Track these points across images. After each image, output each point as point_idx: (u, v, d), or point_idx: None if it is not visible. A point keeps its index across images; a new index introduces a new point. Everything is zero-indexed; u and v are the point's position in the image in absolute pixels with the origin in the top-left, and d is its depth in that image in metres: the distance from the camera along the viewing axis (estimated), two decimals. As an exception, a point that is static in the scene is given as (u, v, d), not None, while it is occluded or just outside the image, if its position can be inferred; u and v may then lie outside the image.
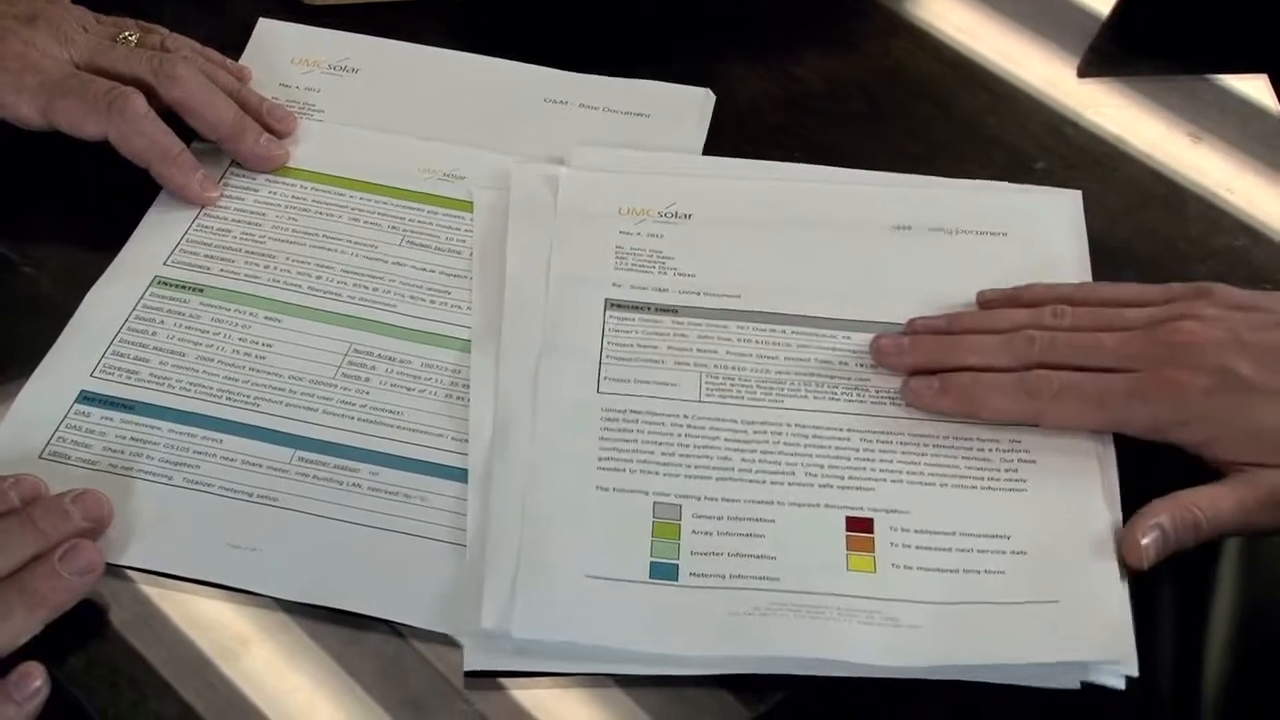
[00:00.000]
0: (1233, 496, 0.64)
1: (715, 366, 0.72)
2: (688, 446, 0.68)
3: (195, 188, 0.77)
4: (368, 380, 0.71)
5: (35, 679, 0.59)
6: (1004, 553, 0.65)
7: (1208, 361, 0.65)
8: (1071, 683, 0.61)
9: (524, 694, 0.61)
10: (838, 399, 0.70)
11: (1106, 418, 0.67)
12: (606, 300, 0.74)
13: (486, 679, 0.61)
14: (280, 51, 0.87)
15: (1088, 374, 0.67)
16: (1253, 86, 0.88)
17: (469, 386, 0.70)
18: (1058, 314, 0.70)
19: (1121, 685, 0.61)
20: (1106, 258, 0.77)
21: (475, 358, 0.72)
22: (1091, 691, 0.61)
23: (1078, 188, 0.80)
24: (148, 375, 0.70)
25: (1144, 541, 0.63)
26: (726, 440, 0.69)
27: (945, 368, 0.69)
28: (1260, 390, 0.65)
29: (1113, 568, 0.64)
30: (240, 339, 0.72)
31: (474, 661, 0.61)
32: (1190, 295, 0.69)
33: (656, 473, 0.67)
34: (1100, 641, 0.62)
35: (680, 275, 0.76)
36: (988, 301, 0.73)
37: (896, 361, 0.70)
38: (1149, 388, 0.66)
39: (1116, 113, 0.86)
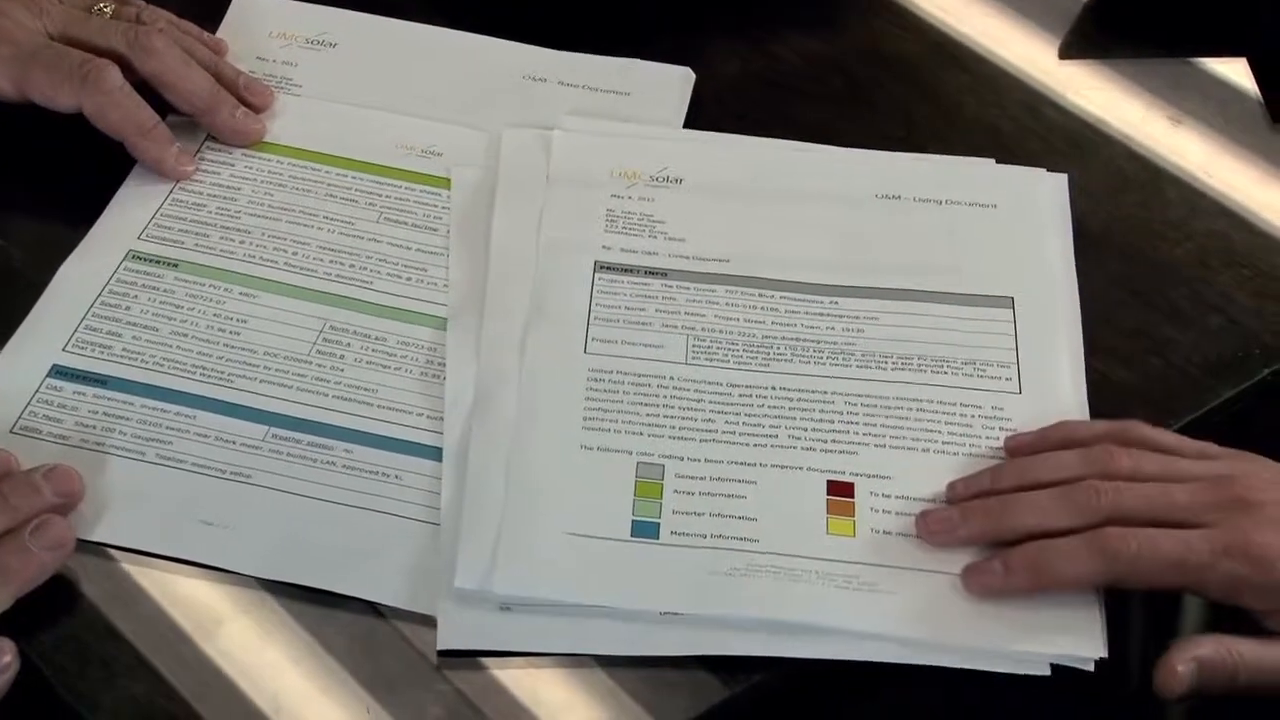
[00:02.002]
0: (1277, 656, 0.61)
1: (702, 330, 0.72)
2: (672, 408, 0.69)
3: (170, 161, 0.77)
4: (343, 357, 0.71)
5: (4, 654, 0.59)
6: None
7: None
8: (1041, 668, 0.61)
9: (501, 673, 0.61)
10: (823, 363, 0.71)
11: (1187, 580, 0.61)
12: (596, 262, 0.74)
13: (464, 656, 0.61)
14: (258, 25, 0.86)
15: (1163, 531, 0.61)
16: (1232, 69, 0.88)
17: (445, 364, 0.70)
18: (1111, 455, 0.64)
19: (1090, 667, 0.61)
20: (1086, 240, 0.77)
21: (452, 335, 0.71)
22: (1062, 674, 0.61)
23: (1057, 170, 0.80)
24: (121, 350, 0.70)
25: (1180, 670, 0.60)
26: (711, 402, 0.69)
27: (1002, 534, 0.64)
28: None
29: None
30: (215, 314, 0.72)
31: (448, 640, 0.61)
32: (1232, 456, 0.65)
33: (641, 433, 0.68)
34: (1065, 630, 0.62)
35: (670, 239, 0.76)
36: (1016, 447, 0.67)
37: (948, 538, 0.64)
38: (1235, 546, 0.61)
39: (1097, 95, 0.86)
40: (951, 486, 0.66)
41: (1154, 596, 0.66)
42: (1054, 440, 0.67)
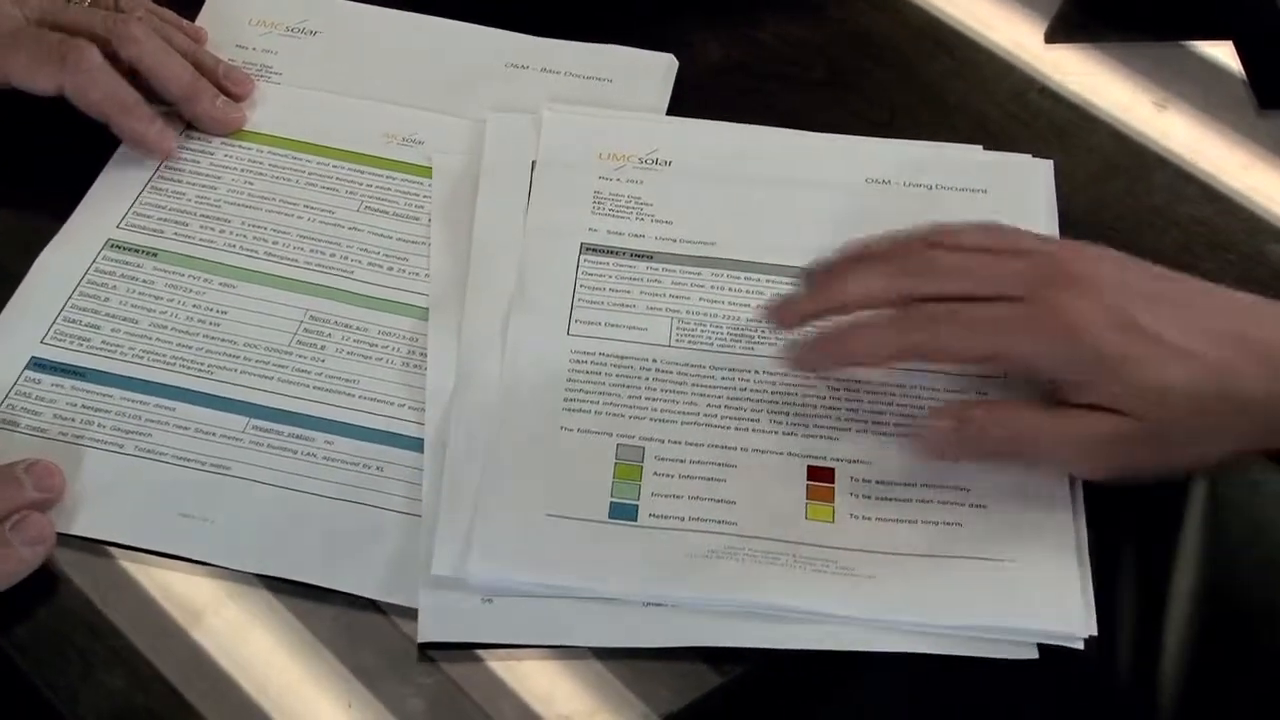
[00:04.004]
0: (1057, 426, 0.62)
1: (687, 312, 0.72)
2: (654, 390, 0.69)
3: (153, 136, 0.76)
4: (324, 348, 0.70)
5: (-17, 649, 0.59)
6: (963, 505, 0.65)
7: (1103, 299, 0.62)
8: (1029, 652, 0.61)
9: (491, 660, 0.61)
10: None
11: (991, 346, 0.63)
12: (582, 244, 0.74)
13: (450, 646, 0.61)
14: (238, 12, 0.86)
15: (973, 303, 0.63)
16: (1219, 52, 0.87)
17: (426, 354, 0.70)
18: (940, 229, 0.66)
19: (1079, 645, 0.61)
20: (1071, 226, 0.76)
21: (433, 325, 0.71)
22: (1049, 658, 0.61)
23: (1043, 155, 0.80)
24: (99, 342, 0.69)
25: (941, 424, 0.63)
26: (694, 385, 0.69)
27: (830, 303, 0.65)
28: (1152, 342, 0.61)
29: (1068, 528, 0.64)
30: (194, 305, 0.71)
31: (429, 632, 0.61)
32: (1065, 243, 0.67)
33: (622, 415, 0.68)
34: (1050, 608, 0.62)
35: (657, 222, 0.76)
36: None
37: (785, 307, 0.66)
38: (1046, 318, 0.61)
39: (1082, 79, 0.86)
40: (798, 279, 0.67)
41: (1144, 581, 0.66)
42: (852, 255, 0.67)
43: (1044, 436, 0.63)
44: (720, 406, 0.68)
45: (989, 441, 0.64)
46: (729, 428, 0.67)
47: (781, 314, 0.67)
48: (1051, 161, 0.79)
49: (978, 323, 0.63)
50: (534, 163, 0.77)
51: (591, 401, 0.68)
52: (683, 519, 0.64)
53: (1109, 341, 0.61)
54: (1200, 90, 0.85)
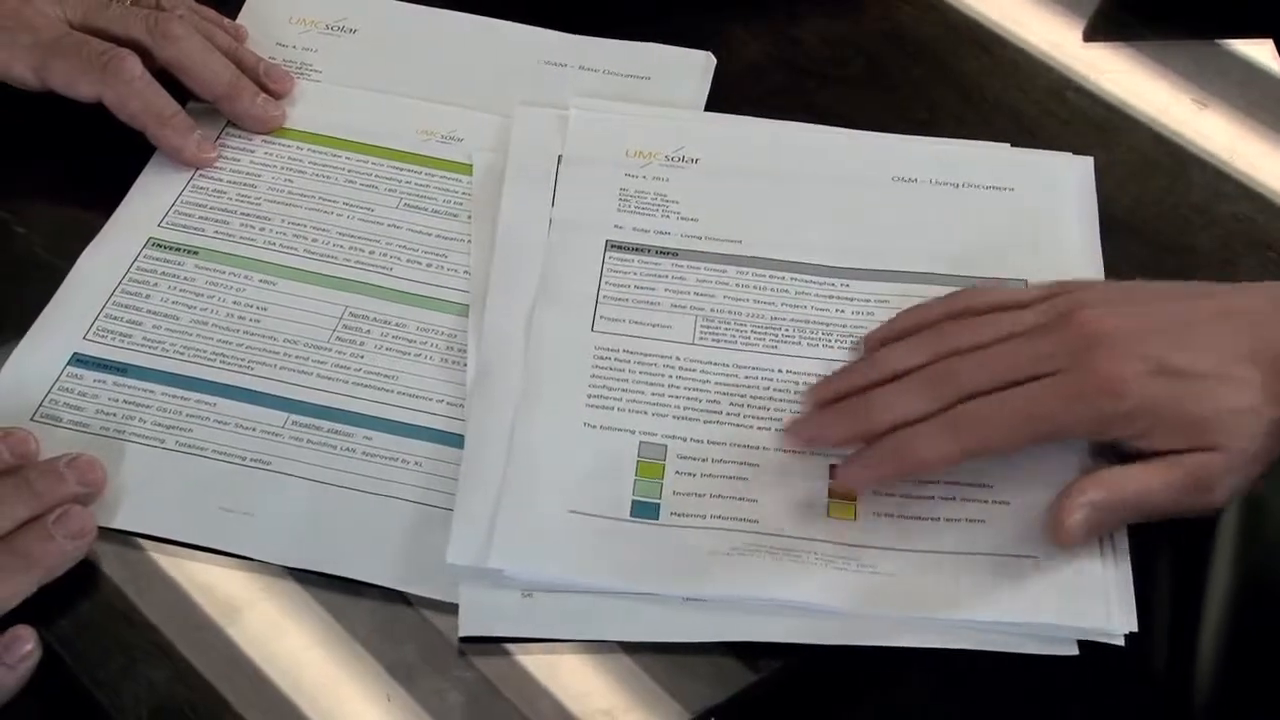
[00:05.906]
0: (1161, 479, 0.62)
1: (711, 310, 0.72)
2: (677, 388, 0.69)
3: (192, 149, 0.77)
4: (363, 344, 0.70)
5: (26, 642, 0.59)
6: (986, 502, 0.65)
7: (1132, 350, 0.62)
8: (1068, 648, 0.61)
9: (524, 657, 0.61)
10: (832, 346, 0.70)
11: (1044, 429, 0.62)
12: (607, 241, 0.74)
13: (488, 641, 0.61)
14: (277, 11, 0.86)
15: (1013, 390, 0.62)
16: (1258, 51, 0.87)
17: (465, 350, 0.70)
18: (950, 332, 0.65)
19: (1120, 642, 0.61)
20: (1109, 225, 0.76)
21: (472, 321, 0.71)
22: (1088, 655, 0.61)
23: (1081, 153, 0.79)
24: (141, 338, 0.70)
25: (1071, 519, 0.61)
26: (717, 383, 0.69)
27: (870, 431, 0.64)
28: (1190, 375, 0.62)
29: None
30: (235, 302, 0.72)
31: (469, 626, 0.61)
32: (1067, 290, 0.66)
33: (645, 412, 0.68)
34: (1087, 604, 0.61)
35: (683, 219, 0.76)
36: (869, 343, 0.69)
37: (821, 444, 0.65)
38: (1085, 386, 0.62)
39: (1121, 78, 0.85)
40: (814, 390, 0.67)
41: (1182, 576, 0.66)
42: (902, 328, 0.68)
43: (1156, 494, 0.62)
44: (743, 405, 0.68)
45: (1124, 519, 0.63)
46: (751, 426, 0.67)
47: (814, 444, 0.66)
48: (1091, 158, 0.79)
49: (1024, 410, 0.62)
50: (560, 157, 0.78)
51: (615, 398, 0.68)
52: (704, 517, 0.64)
53: (1151, 389, 0.61)
54: (1240, 90, 0.85)
